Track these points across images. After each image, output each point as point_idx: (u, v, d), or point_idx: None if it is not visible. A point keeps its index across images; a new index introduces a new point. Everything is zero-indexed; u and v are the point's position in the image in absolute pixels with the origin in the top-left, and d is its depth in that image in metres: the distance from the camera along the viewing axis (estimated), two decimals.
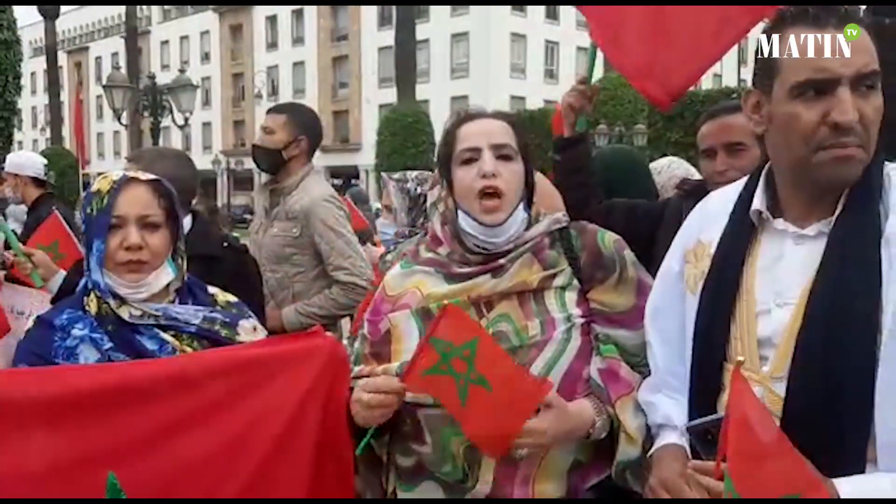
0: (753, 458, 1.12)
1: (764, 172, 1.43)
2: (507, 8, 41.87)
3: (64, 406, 1.42)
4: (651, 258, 1.76)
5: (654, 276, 1.61)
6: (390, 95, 31.37)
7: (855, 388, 1.20)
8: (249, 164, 3.31)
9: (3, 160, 4.94)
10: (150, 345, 1.61)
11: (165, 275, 1.67)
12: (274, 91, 50.20)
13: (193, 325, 1.66)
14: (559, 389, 1.52)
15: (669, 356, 1.51)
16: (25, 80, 17.49)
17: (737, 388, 1.15)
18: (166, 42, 57.86)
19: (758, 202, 1.39)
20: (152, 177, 1.70)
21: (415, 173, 2.35)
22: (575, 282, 1.62)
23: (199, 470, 1.46)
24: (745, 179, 1.48)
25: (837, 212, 1.29)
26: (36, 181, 4.57)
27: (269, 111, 3.21)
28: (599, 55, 2.63)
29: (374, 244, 4.94)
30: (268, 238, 3.07)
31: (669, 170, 3.10)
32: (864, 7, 2.11)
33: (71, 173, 16.35)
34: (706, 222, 1.49)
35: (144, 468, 1.42)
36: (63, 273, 2.73)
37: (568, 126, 2.52)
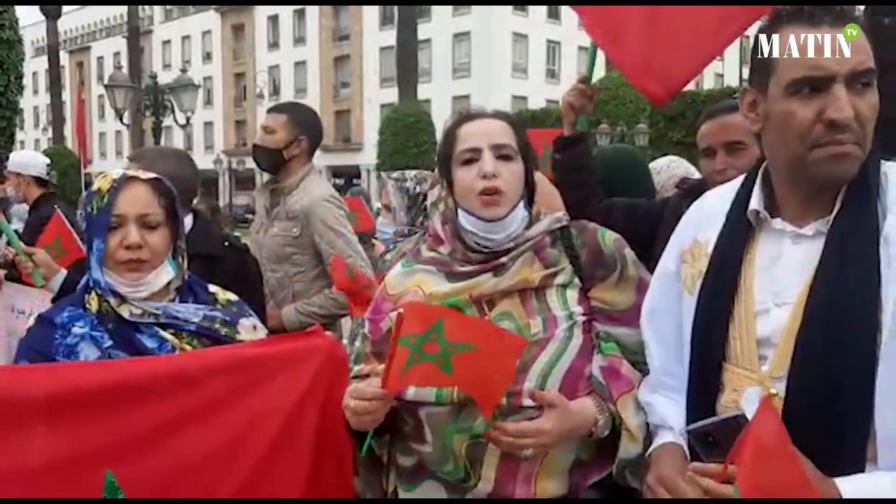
0: (768, 489, 1.11)
1: (761, 171, 1.43)
2: (509, 8, 41.86)
3: (63, 403, 1.42)
4: (651, 257, 1.76)
5: (653, 274, 1.62)
6: (392, 95, 31.37)
7: (855, 387, 1.20)
8: (251, 163, 3.32)
9: (6, 159, 4.95)
10: (150, 343, 1.62)
11: (165, 273, 1.67)
12: (276, 91, 50.22)
13: (193, 323, 1.66)
14: (562, 387, 1.52)
15: (666, 356, 1.51)
16: (27, 80, 17.50)
17: (763, 415, 1.14)
18: (168, 42, 57.91)
19: (755, 202, 1.39)
20: (152, 176, 1.70)
21: (413, 172, 2.36)
22: (576, 280, 1.63)
23: (197, 468, 1.47)
24: (741, 178, 1.48)
25: (835, 211, 1.29)
26: (38, 181, 4.58)
27: (270, 110, 3.22)
28: (600, 54, 2.63)
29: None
30: (268, 238, 3.07)
31: (669, 169, 3.09)
32: (863, 7, 2.11)
33: (73, 173, 16.40)
34: (702, 222, 1.49)
35: (142, 465, 1.43)
36: (64, 272, 2.73)
37: (568, 125, 2.53)
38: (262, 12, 51.82)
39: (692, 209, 1.57)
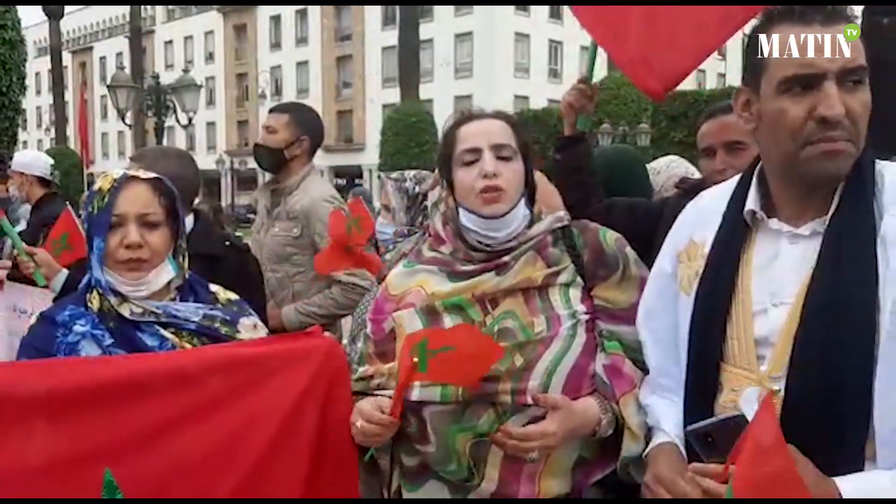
0: (759, 486, 1.12)
1: (756, 171, 1.43)
2: (511, 8, 41.83)
3: (63, 400, 1.42)
4: (651, 257, 1.76)
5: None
6: (394, 95, 31.38)
7: (854, 386, 1.21)
8: (253, 163, 3.33)
9: (10, 159, 4.96)
10: (150, 342, 1.62)
11: (166, 273, 1.67)
12: (278, 91, 50.25)
13: (193, 322, 1.67)
14: (566, 384, 1.53)
15: (662, 356, 1.52)
16: (30, 80, 17.48)
17: (763, 415, 1.14)
18: (170, 42, 57.94)
19: (751, 202, 1.39)
20: (153, 175, 1.70)
21: (413, 172, 2.35)
22: (578, 279, 1.63)
23: (196, 466, 1.47)
24: (736, 178, 1.48)
25: (831, 211, 1.30)
26: (41, 181, 4.59)
27: (272, 110, 3.23)
28: (601, 54, 2.63)
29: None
30: (269, 238, 3.08)
31: (669, 169, 3.09)
32: (862, 7, 2.11)
33: (75, 173, 16.39)
34: (698, 222, 1.49)
35: (141, 463, 1.43)
36: (65, 272, 2.74)
37: (568, 125, 2.53)
38: (264, 12, 51.85)
39: (687, 209, 1.58)
